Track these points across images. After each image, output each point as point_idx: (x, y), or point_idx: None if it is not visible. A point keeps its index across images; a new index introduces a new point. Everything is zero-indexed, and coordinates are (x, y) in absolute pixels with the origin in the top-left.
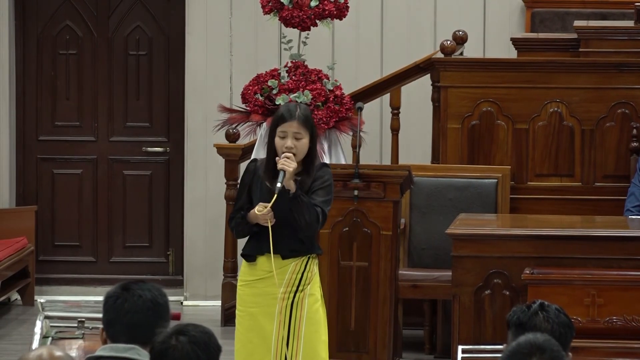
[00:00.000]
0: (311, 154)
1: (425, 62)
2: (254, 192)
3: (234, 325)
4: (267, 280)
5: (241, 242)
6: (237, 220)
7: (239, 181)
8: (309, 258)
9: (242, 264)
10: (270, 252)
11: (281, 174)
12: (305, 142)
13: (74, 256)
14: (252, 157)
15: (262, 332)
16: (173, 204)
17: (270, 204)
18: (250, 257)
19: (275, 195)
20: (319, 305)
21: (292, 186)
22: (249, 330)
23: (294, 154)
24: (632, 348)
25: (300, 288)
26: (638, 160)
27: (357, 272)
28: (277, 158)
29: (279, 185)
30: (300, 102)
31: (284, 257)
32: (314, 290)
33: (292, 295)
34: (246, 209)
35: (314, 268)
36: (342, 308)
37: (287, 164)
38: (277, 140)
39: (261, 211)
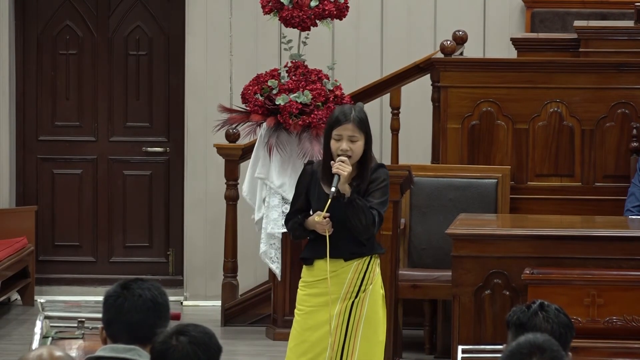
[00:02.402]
0: (366, 156)
1: (425, 62)
2: (312, 195)
3: (234, 326)
4: (326, 281)
5: (241, 243)
6: (294, 225)
7: (238, 181)
8: (371, 258)
9: (304, 266)
10: (332, 256)
11: (335, 178)
12: (360, 144)
13: (74, 256)
14: (252, 156)
15: (318, 332)
16: (173, 204)
17: (324, 210)
18: (308, 260)
19: (330, 201)
20: (379, 305)
21: (347, 190)
22: (306, 330)
23: (349, 157)
24: (632, 348)
25: (362, 288)
26: (638, 160)
27: None
28: (332, 162)
29: (333, 189)
30: (300, 102)
31: (346, 260)
32: (376, 290)
33: (354, 295)
34: (303, 212)
35: (375, 268)
36: None
37: (342, 167)
38: (332, 143)
39: (320, 221)
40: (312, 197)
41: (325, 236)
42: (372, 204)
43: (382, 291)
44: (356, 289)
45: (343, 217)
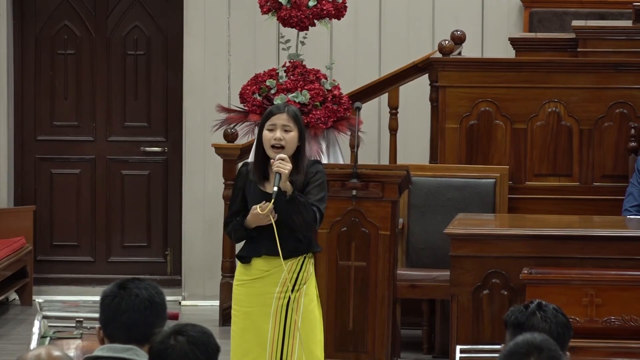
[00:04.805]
0: (300, 151)
1: (423, 62)
2: (248, 194)
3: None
4: (263, 279)
5: (239, 242)
6: (234, 226)
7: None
8: (305, 257)
9: (238, 264)
10: (269, 254)
11: (277, 177)
12: (293, 135)
13: (72, 256)
14: (251, 157)
15: (257, 331)
16: (171, 204)
17: (269, 205)
18: (245, 258)
19: (273, 200)
20: (314, 305)
21: (288, 188)
22: (245, 330)
23: (283, 146)
24: (630, 348)
25: (296, 287)
26: (637, 160)
27: (355, 272)
28: (271, 161)
29: (275, 188)
30: (299, 102)
31: (284, 257)
32: (310, 290)
33: (287, 294)
34: (242, 214)
35: (309, 268)
36: (340, 308)
37: (282, 166)
38: (265, 133)
39: (263, 211)
40: (248, 197)
41: (271, 228)
42: (312, 201)
43: (316, 290)
44: (290, 288)
45: (283, 216)
